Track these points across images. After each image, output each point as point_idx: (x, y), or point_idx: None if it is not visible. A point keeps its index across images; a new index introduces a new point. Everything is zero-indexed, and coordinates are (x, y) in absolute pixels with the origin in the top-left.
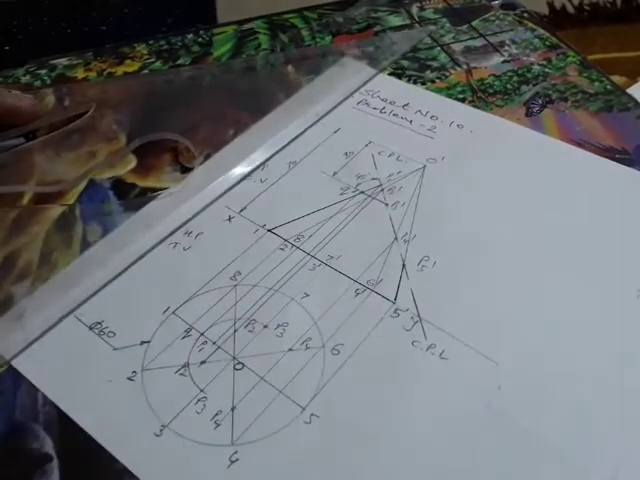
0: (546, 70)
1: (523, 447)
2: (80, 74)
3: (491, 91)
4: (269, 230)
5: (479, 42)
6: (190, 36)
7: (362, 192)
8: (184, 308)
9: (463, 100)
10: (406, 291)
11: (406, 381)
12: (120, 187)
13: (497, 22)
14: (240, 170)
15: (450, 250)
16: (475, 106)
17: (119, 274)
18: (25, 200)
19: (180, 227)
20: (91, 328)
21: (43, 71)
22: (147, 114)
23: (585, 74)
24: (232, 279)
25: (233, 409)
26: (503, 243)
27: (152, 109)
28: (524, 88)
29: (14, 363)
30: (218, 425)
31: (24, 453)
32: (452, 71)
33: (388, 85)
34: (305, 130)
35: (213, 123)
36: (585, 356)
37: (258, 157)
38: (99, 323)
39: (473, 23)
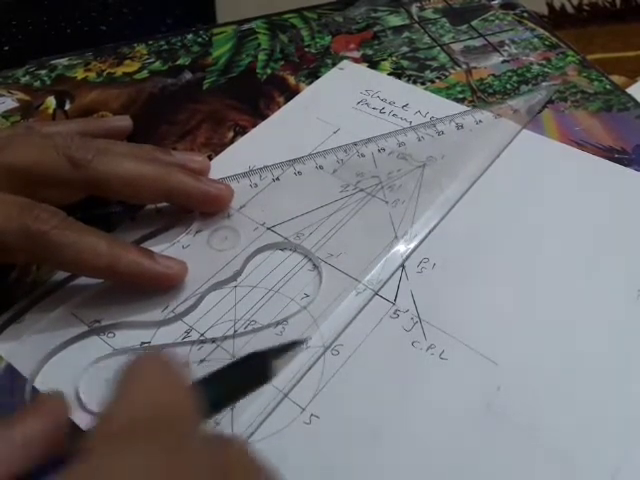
0: (546, 70)
1: (523, 447)
2: (80, 74)
3: (490, 91)
4: (269, 228)
5: (479, 42)
6: (190, 36)
7: (362, 190)
8: (184, 307)
9: (463, 100)
10: (406, 292)
11: (406, 381)
12: None
13: (497, 22)
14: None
15: (449, 251)
16: (474, 106)
17: None
18: None
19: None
20: (90, 327)
21: (43, 71)
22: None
23: (584, 74)
24: (232, 279)
25: (232, 407)
26: (502, 244)
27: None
28: (523, 88)
29: (13, 362)
30: (218, 424)
31: None
32: (452, 71)
33: (388, 85)
34: None
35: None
36: (585, 356)
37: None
38: (97, 321)
39: (473, 23)
